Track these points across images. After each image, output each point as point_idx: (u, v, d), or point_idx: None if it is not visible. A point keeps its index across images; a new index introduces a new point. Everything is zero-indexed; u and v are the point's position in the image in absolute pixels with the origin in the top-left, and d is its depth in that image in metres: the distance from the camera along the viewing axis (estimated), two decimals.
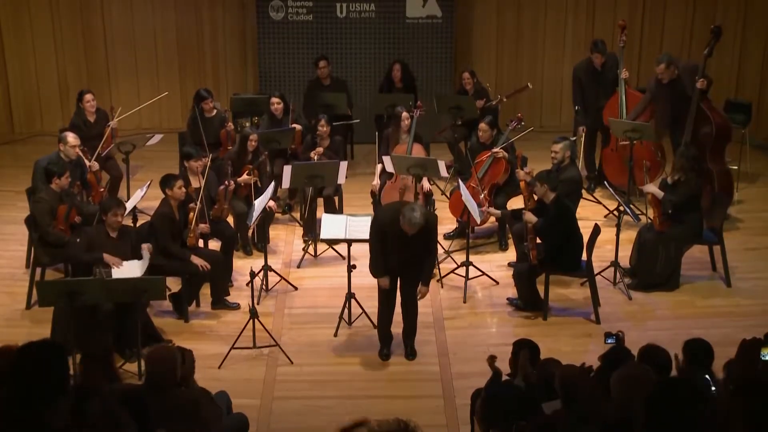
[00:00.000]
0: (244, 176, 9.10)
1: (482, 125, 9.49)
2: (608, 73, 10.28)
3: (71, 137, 9.02)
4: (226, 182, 8.83)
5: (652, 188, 8.53)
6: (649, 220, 8.75)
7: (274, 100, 10.33)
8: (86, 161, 9.27)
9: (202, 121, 9.92)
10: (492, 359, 5.92)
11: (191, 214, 8.06)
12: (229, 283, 8.52)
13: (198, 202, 8.17)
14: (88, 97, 10.08)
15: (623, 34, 10.24)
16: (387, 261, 7.22)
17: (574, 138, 10.38)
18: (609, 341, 5.93)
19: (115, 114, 10.14)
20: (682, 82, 9.63)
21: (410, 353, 7.47)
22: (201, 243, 8.42)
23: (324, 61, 11.30)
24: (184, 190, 8.03)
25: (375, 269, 7.31)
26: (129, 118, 10.66)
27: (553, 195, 7.91)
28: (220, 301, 8.20)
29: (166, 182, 8.01)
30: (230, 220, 9.07)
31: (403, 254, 7.16)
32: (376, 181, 9.67)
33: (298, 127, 10.28)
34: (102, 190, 9.32)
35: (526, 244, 8.06)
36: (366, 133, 10.64)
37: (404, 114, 9.86)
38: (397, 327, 7.53)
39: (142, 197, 8.50)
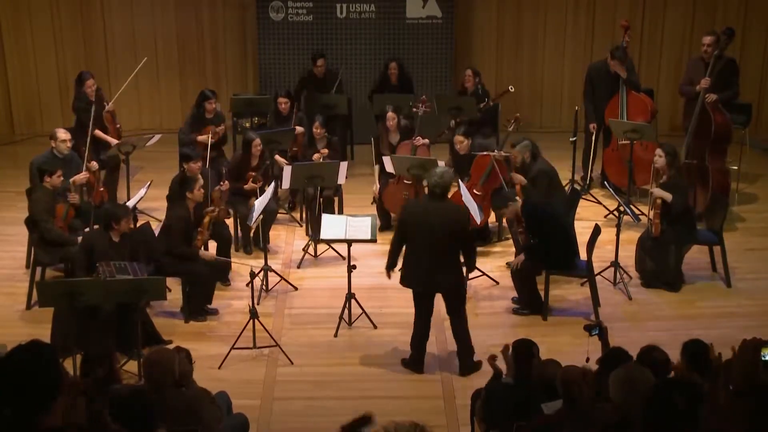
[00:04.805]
0: (250, 183, 9.11)
1: (458, 137, 9.40)
2: (620, 78, 10.19)
3: (61, 132, 9.02)
4: (221, 183, 8.83)
5: (661, 192, 8.41)
6: (650, 220, 8.73)
7: (281, 100, 10.46)
8: (100, 151, 9.34)
9: (201, 121, 9.94)
10: (492, 358, 5.92)
11: (206, 218, 8.03)
12: (227, 283, 8.53)
13: (214, 207, 8.16)
14: (90, 82, 10.05)
15: (626, 35, 10.18)
16: (416, 266, 6.98)
17: (574, 138, 10.38)
18: (594, 333, 5.84)
19: (110, 100, 10.16)
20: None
21: (464, 368, 7.21)
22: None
23: (322, 60, 11.38)
24: (203, 191, 8.03)
25: (388, 261, 7.19)
26: (129, 119, 10.69)
27: (520, 204, 8.01)
28: (201, 311, 8.05)
29: (186, 185, 8.00)
30: (229, 222, 9.09)
31: (433, 254, 6.88)
32: (376, 186, 9.66)
33: (299, 129, 10.29)
34: (101, 189, 9.32)
35: (519, 230, 8.12)
36: (366, 134, 10.66)
37: (390, 114, 9.86)
38: (393, 327, 7.53)
39: (141, 198, 8.50)
